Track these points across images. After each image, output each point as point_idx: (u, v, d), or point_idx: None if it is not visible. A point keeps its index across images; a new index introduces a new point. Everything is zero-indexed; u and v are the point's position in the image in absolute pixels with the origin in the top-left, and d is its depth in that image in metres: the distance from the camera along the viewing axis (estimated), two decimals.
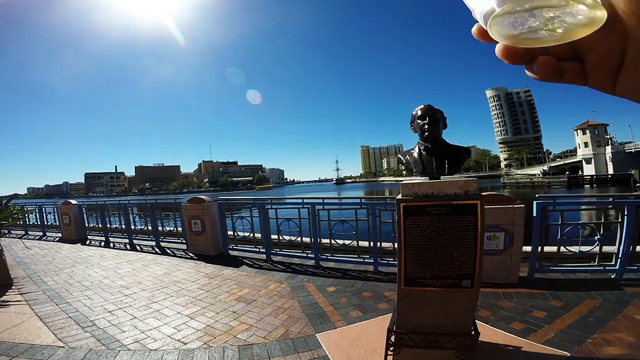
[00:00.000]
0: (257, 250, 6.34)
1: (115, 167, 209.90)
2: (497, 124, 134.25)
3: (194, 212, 6.84)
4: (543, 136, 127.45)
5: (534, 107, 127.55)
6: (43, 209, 11.33)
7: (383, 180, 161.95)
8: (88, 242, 9.12)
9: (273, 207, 6.14)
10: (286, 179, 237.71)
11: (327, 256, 5.60)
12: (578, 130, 71.48)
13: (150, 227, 8.15)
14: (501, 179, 77.69)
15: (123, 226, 8.72)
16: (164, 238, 7.96)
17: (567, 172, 69.01)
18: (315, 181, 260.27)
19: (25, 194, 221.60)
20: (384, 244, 5.25)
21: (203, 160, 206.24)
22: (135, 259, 6.80)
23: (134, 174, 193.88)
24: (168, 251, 7.34)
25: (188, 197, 7.26)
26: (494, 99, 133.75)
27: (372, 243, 5.17)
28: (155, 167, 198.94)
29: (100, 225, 9.47)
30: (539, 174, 73.66)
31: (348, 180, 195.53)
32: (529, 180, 66.74)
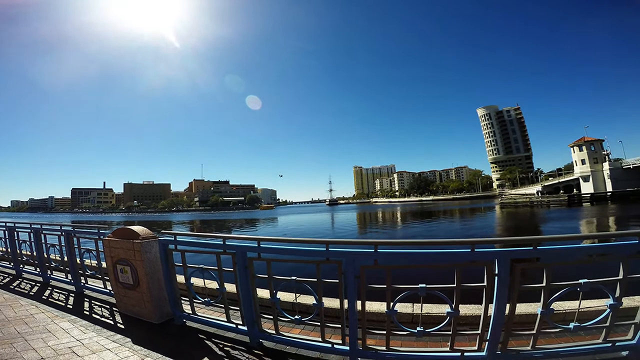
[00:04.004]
0: (234, 325, 3.40)
1: (104, 183, 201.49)
2: (489, 144, 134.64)
3: (119, 252, 3.87)
4: (533, 155, 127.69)
5: (524, 125, 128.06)
6: None
7: (376, 202, 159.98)
8: None
9: (262, 256, 3.15)
10: (278, 199, 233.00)
11: (376, 350, 2.70)
12: (574, 147, 70.25)
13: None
14: (498, 199, 76.15)
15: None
16: (86, 283, 5.09)
17: (561, 191, 68.19)
18: (308, 202, 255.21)
19: (9, 206, 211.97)
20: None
21: (194, 179, 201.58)
22: (14, 317, 3.94)
23: (123, 191, 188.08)
24: (86, 305, 4.50)
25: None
26: (485, 117, 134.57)
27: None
28: (144, 184, 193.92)
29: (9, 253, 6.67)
30: (536, 194, 72.16)
31: (341, 202, 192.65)
32: (527, 200, 65.10)
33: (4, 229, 6.65)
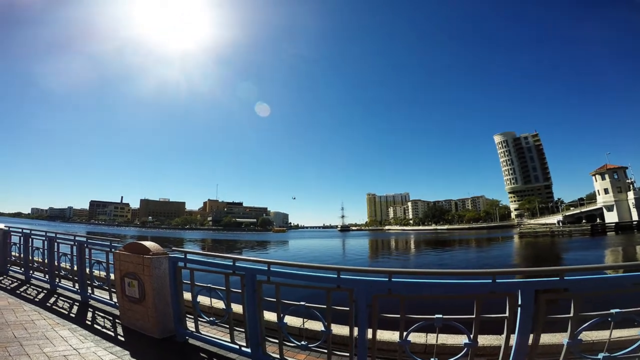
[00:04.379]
0: (237, 347, 3.28)
1: (121, 197, 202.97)
2: (506, 172, 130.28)
3: (129, 266, 3.87)
4: (553, 184, 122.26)
5: (542, 152, 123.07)
6: None
7: (389, 229, 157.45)
8: (1, 278, 6.57)
9: (272, 280, 3.10)
10: (290, 223, 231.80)
11: None
12: (596, 176, 67.71)
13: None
14: (517, 229, 73.77)
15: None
16: (92, 293, 5.07)
17: (583, 221, 65.85)
18: (319, 227, 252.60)
19: (29, 214, 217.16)
20: None
21: (209, 199, 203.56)
22: (14, 321, 3.94)
23: (139, 206, 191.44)
24: (89, 315, 4.50)
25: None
26: (502, 144, 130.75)
27: None
28: (160, 201, 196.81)
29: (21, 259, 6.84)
30: (557, 223, 69.58)
31: (353, 228, 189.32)
32: (548, 229, 62.82)
33: (20, 235, 6.84)
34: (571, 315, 2.23)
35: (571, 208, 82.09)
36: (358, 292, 2.64)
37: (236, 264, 3.32)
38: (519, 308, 2.24)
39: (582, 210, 72.99)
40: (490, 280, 2.36)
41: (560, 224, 68.20)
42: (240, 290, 3.22)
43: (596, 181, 68.04)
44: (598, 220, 63.49)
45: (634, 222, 56.12)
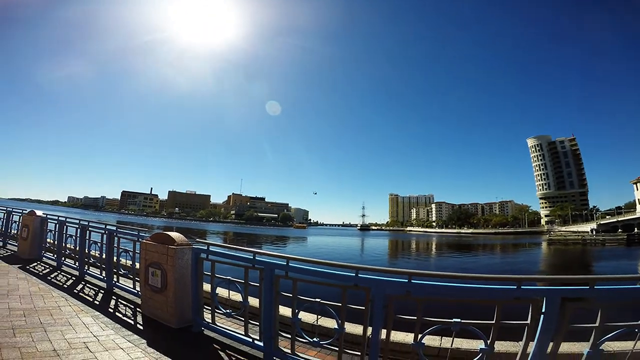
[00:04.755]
0: (250, 340, 3.36)
1: (151, 188, 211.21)
2: (539, 177, 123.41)
3: (154, 256, 4.03)
4: (589, 191, 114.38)
5: (579, 158, 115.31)
6: (11, 216, 9.48)
7: (410, 230, 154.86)
8: (35, 264, 6.85)
9: (290, 275, 3.13)
10: (310, 219, 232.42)
11: None
12: (638, 184, 63.75)
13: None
14: (547, 236, 70.52)
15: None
16: (117, 281, 5.35)
17: (619, 230, 62.06)
18: (339, 225, 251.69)
19: (66, 201, 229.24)
20: None
21: (233, 193, 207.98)
22: (42, 307, 4.14)
23: (167, 198, 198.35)
24: (112, 303, 4.71)
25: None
26: (535, 148, 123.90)
27: None
28: (187, 194, 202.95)
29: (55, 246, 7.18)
30: (590, 232, 65.95)
31: (373, 227, 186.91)
32: (579, 237, 59.78)
33: (56, 222, 7.20)
34: (596, 325, 2.17)
35: (607, 216, 77.64)
36: (375, 292, 2.62)
37: (256, 258, 3.37)
38: (542, 315, 2.18)
39: (619, 219, 69.10)
40: (516, 287, 2.29)
41: (594, 232, 64.75)
42: (257, 284, 3.30)
43: (637, 189, 63.94)
44: (636, 230, 59.72)
45: None
